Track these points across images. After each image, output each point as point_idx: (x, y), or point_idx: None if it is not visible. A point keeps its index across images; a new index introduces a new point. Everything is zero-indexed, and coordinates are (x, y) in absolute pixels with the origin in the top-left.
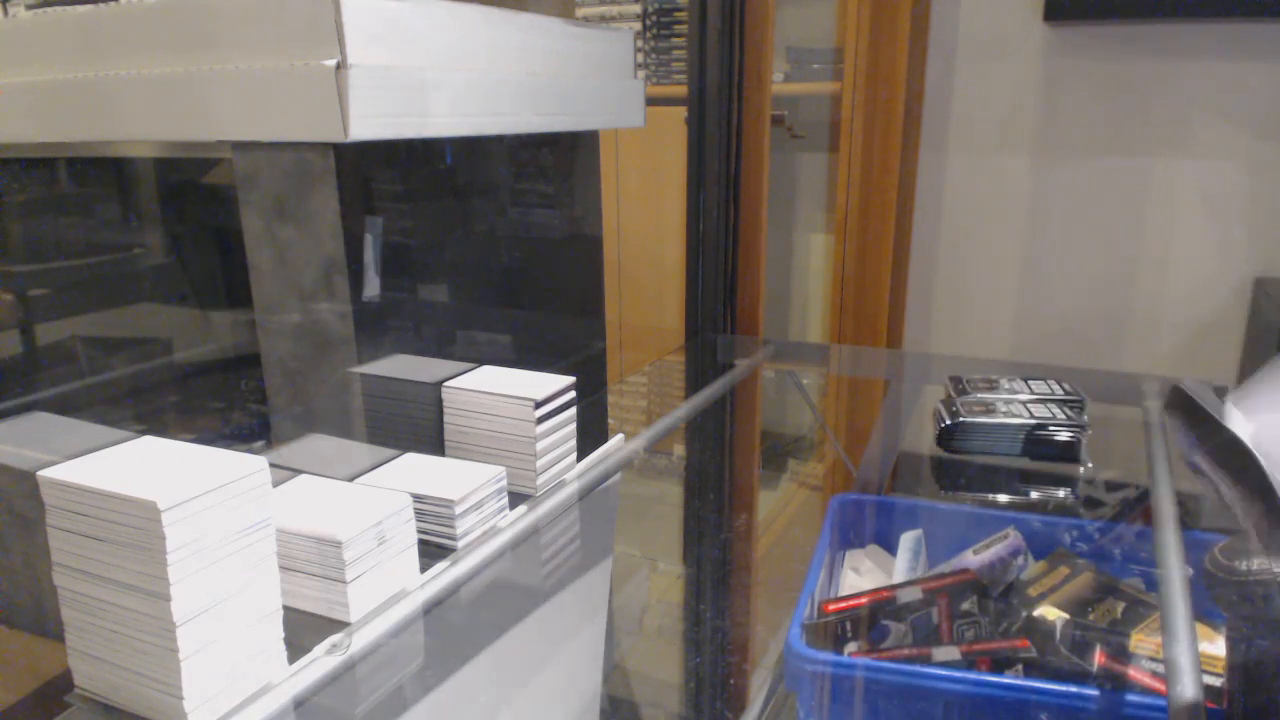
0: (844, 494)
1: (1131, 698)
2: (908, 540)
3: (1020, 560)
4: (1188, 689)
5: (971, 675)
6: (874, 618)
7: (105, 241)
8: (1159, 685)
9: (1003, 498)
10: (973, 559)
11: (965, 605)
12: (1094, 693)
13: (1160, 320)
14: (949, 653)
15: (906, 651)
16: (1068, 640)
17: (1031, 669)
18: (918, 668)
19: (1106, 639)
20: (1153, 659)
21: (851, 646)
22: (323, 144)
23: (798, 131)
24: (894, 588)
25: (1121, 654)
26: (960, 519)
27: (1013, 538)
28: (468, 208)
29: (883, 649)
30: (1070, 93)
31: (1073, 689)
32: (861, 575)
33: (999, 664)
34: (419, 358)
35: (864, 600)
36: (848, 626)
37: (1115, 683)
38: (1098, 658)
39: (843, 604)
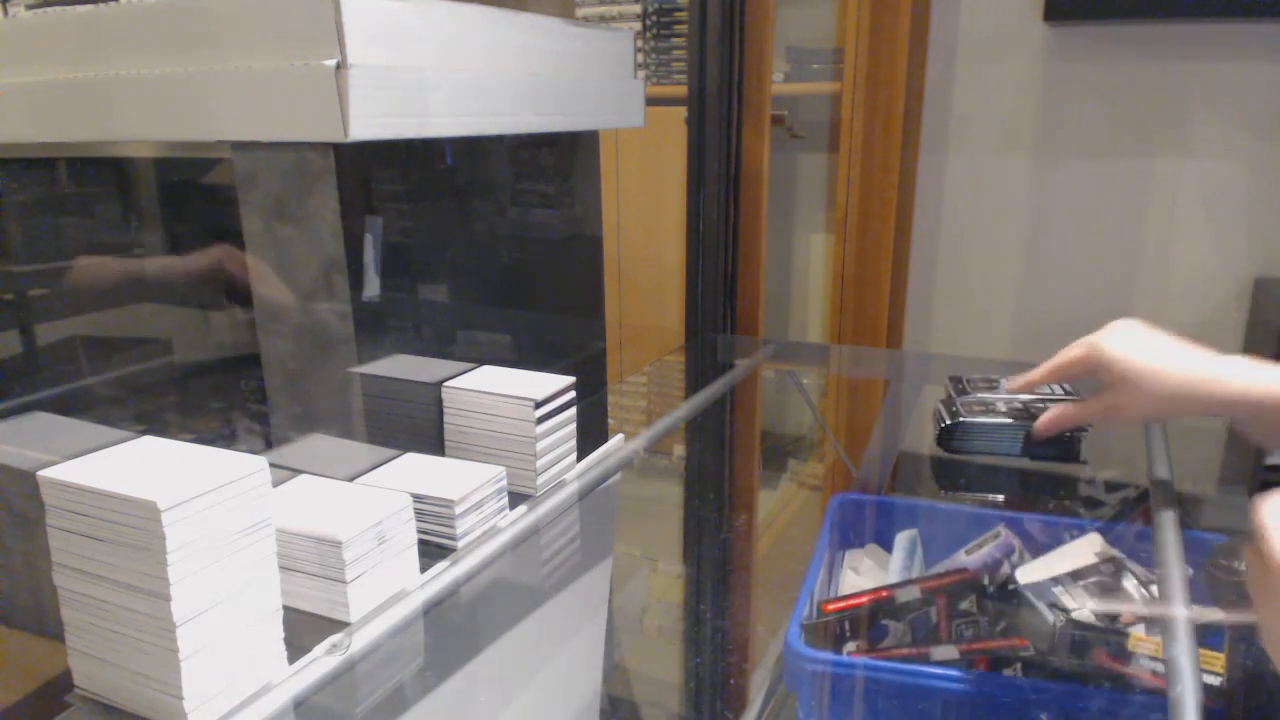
0: (843, 494)
1: (1130, 696)
2: (903, 540)
3: (1013, 558)
4: (1188, 689)
5: (970, 674)
6: (873, 617)
7: (105, 241)
8: (1158, 684)
9: (1002, 497)
10: (965, 559)
11: (964, 605)
12: (1093, 691)
13: (1160, 320)
14: (947, 652)
15: (905, 651)
16: (1066, 639)
17: (1030, 668)
18: (916, 666)
19: (1105, 638)
20: (1152, 658)
21: (850, 646)
22: (323, 144)
23: (798, 131)
24: (892, 587)
25: (1120, 653)
26: (960, 519)
27: (1004, 536)
28: (468, 208)
29: (881, 648)
30: (1070, 93)
31: (1071, 687)
32: (861, 575)
33: (998, 663)
34: (419, 358)
35: (863, 600)
36: (846, 626)
37: (1114, 681)
38: (1096, 656)
39: (841, 604)
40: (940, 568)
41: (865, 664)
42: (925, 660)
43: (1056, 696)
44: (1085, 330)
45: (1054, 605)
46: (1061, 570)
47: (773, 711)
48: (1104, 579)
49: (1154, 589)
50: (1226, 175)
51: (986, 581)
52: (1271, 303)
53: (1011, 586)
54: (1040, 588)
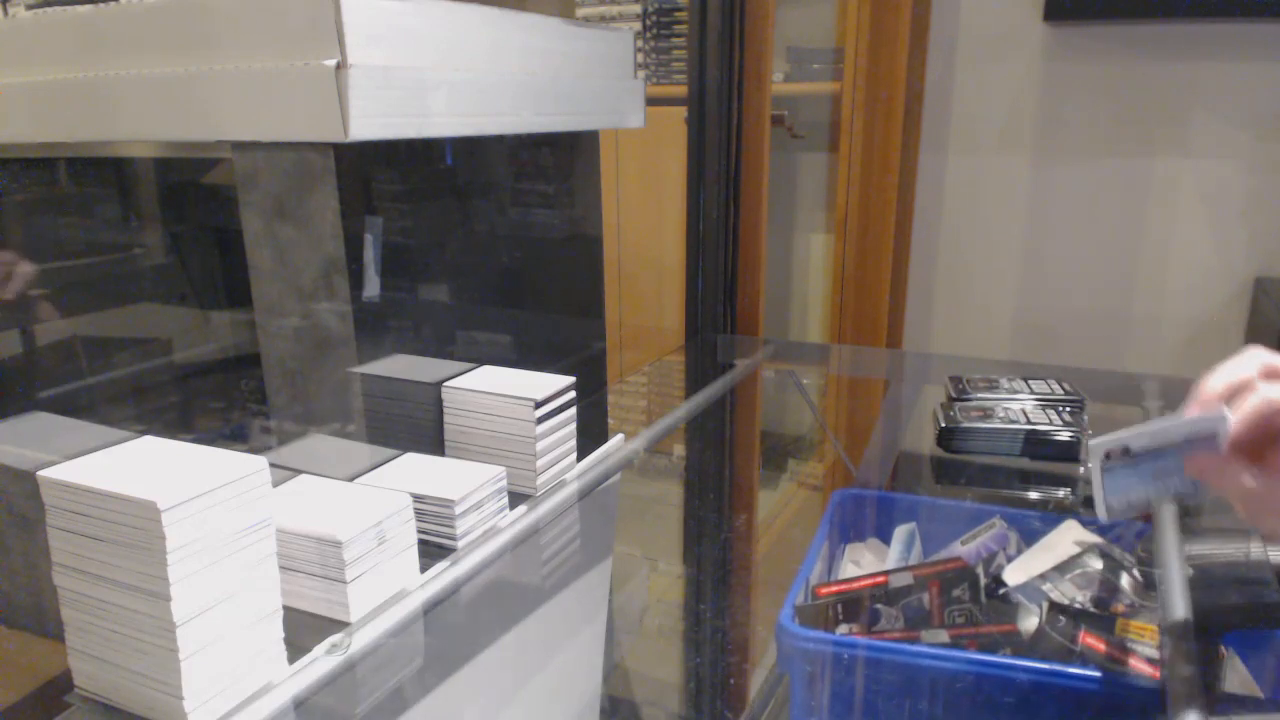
0: (844, 489)
1: (1118, 677)
2: (901, 533)
3: (1008, 550)
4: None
5: (959, 654)
6: (866, 602)
7: (105, 241)
8: (1143, 667)
9: (1003, 494)
10: (960, 549)
11: (956, 592)
12: (1078, 672)
13: (1160, 320)
14: (937, 635)
15: (896, 634)
16: (1055, 625)
17: (1020, 653)
18: (907, 646)
19: (1092, 622)
20: (1135, 640)
21: (843, 629)
22: (323, 144)
23: (798, 131)
24: (886, 573)
25: (1109, 637)
26: (959, 514)
27: (999, 528)
28: (468, 208)
29: (873, 632)
30: (1070, 93)
31: (1058, 668)
32: (861, 569)
33: (988, 648)
34: (419, 358)
35: (856, 585)
36: (840, 609)
37: (1099, 664)
38: (1082, 639)
39: (835, 588)
40: (935, 557)
41: (856, 643)
42: (915, 643)
43: (1044, 676)
44: (1085, 330)
45: (1044, 602)
46: (1047, 565)
47: (773, 711)
48: (1088, 570)
49: (1136, 572)
50: (1226, 175)
51: (980, 571)
52: (1271, 303)
53: (1002, 590)
54: (1028, 588)
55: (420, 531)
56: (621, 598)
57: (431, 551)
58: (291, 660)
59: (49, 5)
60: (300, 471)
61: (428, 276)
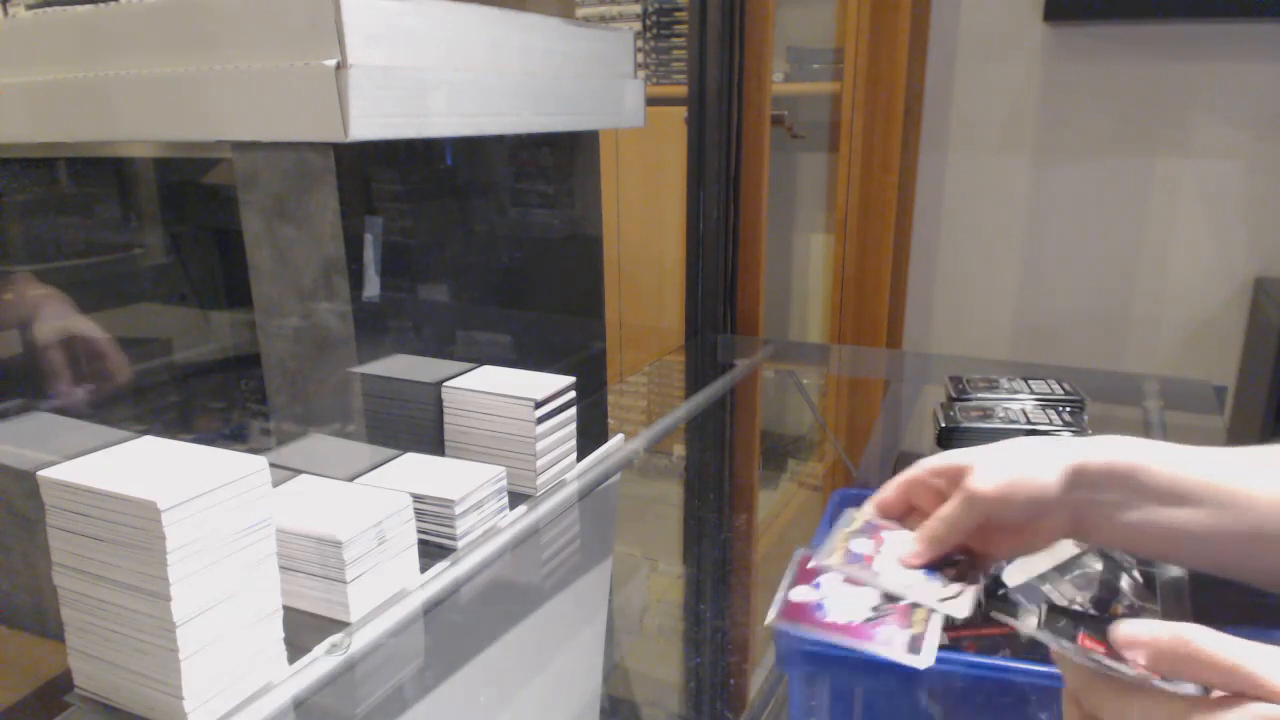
0: (844, 489)
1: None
2: None
3: None
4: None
5: (958, 655)
6: None
7: (105, 241)
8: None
9: None
10: None
11: None
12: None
13: (1160, 320)
14: None
15: None
16: (1056, 627)
17: (1018, 653)
18: None
19: (1089, 623)
20: None
21: None
22: (323, 144)
23: (798, 131)
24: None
25: (1104, 637)
26: None
27: None
28: (468, 208)
29: None
30: (1070, 93)
31: (1055, 669)
32: None
33: (986, 649)
34: (419, 358)
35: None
36: None
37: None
38: (1081, 640)
39: None
40: None
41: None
42: None
43: (1042, 679)
44: (1085, 330)
45: (1044, 602)
46: (1046, 566)
47: (773, 711)
48: (1088, 571)
49: (1136, 573)
50: (1226, 175)
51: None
52: (1271, 303)
53: (1001, 591)
54: (1028, 589)
55: (420, 531)
56: (621, 598)
57: (431, 551)
58: (291, 660)
59: (49, 5)
60: (300, 471)
61: (428, 276)
